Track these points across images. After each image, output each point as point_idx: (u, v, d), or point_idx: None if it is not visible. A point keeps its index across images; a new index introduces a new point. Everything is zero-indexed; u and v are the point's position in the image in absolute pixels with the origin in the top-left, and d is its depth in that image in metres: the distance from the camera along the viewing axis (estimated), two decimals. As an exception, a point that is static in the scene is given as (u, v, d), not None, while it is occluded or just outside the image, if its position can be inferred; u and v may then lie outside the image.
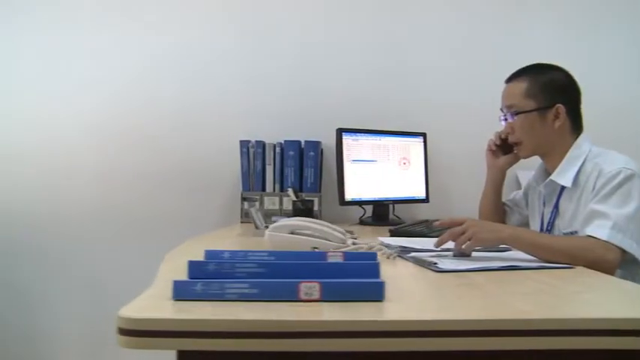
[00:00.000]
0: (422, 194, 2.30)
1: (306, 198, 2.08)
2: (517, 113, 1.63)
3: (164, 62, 2.34)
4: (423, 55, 2.39)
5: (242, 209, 2.21)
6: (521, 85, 1.62)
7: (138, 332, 0.78)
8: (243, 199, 2.19)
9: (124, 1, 2.34)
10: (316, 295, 0.88)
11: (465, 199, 2.38)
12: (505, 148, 1.79)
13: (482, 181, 2.35)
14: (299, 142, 2.23)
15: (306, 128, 2.31)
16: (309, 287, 0.88)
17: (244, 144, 2.22)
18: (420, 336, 0.82)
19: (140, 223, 2.34)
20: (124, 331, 0.78)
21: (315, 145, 2.22)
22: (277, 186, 2.21)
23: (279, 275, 0.94)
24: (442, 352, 0.82)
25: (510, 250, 1.42)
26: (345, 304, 0.87)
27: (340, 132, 2.11)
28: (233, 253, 1.05)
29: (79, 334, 2.36)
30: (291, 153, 2.21)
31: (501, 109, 1.70)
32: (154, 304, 0.86)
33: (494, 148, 1.81)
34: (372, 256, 1.09)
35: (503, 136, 1.75)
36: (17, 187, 2.33)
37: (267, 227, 1.48)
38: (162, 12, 2.34)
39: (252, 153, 2.22)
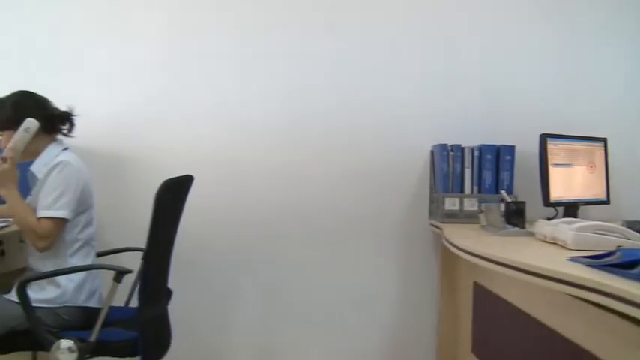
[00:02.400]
0: (603, 196, 2.42)
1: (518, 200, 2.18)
2: None
3: (360, 67, 2.46)
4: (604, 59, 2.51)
5: (442, 209, 2.30)
6: None
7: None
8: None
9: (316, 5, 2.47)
10: None
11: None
12: None
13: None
14: (494, 146, 2.33)
15: (492, 132, 2.43)
16: None
17: (443, 148, 2.32)
18: None
19: (331, 222, 2.47)
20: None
21: (511, 150, 2.32)
22: (475, 188, 2.32)
23: None
24: None
25: None
26: None
27: (544, 137, 2.21)
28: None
29: (259, 329, 2.48)
30: (489, 157, 2.31)
31: None
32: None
33: None
34: None
35: None
36: (211, 188, 2.44)
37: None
38: (352, 16, 2.46)
39: (451, 156, 2.31)
